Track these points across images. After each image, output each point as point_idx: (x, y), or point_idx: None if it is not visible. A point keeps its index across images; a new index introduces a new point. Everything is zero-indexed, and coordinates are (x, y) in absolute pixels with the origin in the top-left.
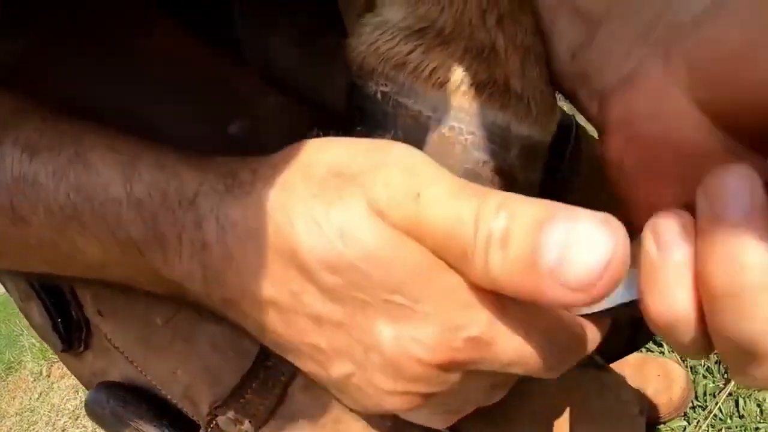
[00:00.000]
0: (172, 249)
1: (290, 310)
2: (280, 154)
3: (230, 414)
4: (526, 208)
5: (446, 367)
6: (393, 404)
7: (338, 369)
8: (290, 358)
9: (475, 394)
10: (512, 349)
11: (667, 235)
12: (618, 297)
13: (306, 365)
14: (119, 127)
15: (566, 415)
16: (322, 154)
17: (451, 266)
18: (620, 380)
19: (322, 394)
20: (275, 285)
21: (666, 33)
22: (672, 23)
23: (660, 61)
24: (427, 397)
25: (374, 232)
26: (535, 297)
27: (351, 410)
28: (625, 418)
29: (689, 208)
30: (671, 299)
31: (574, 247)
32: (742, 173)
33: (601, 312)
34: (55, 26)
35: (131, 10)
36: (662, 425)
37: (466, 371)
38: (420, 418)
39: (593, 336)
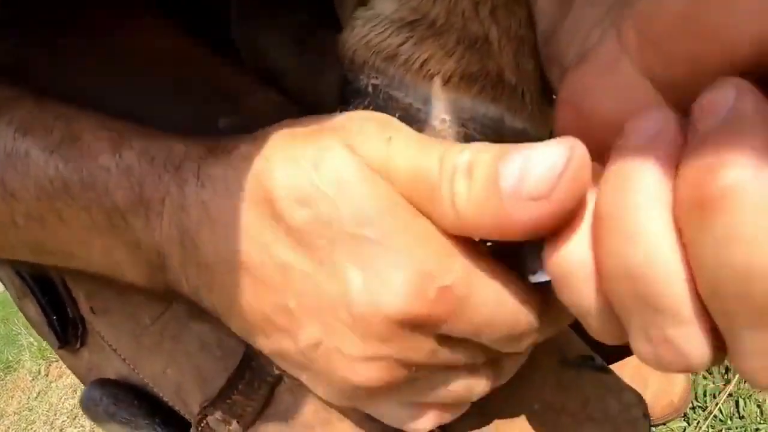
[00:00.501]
0: (155, 213)
1: (259, 267)
2: (263, 129)
3: (218, 414)
4: (487, 146)
5: (417, 325)
6: (365, 375)
7: (307, 335)
8: (259, 339)
9: (452, 377)
10: (485, 308)
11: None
12: None
13: (275, 341)
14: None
15: (565, 417)
16: (304, 118)
17: (420, 212)
18: (622, 382)
19: (309, 396)
20: (247, 238)
21: (622, 7)
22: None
23: (614, 34)
24: (400, 365)
25: (347, 163)
26: (503, 223)
27: (342, 411)
28: (627, 421)
29: None
30: (571, 245)
31: (531, 164)
32: (660, 112)
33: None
34: (47, 25)
35: (123, 8)
36: (662, 426)
37: (440, 340)
38: (394, 415)
39: (560, 314)
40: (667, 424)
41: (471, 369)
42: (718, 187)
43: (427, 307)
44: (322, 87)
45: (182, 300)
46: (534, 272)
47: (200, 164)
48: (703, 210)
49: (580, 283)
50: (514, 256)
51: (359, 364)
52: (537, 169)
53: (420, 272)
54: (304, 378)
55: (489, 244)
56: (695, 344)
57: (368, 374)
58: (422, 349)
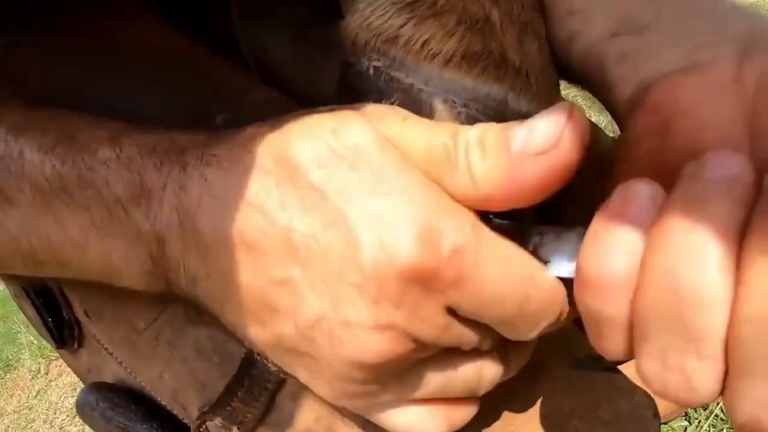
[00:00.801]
0: (156, 200)
1: (262, 239)
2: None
3: (218, 421)
4: (494, 125)
5: (427, 282)
6: (374, 348)
7: (310, 309)
8: (255, 328)
9: (459, 361)
10: (494, 278)
11: (636, 194)
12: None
13: (273, 325)
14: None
15: (576, 420)
16: (316, 108)
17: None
18: (631, 382)
19: (312, 403)
20: (250, 209)
21: (753, 38)
22: (753, 32)
23: (733, 62)
24: (409, 339)
25: (365, 131)
26: (517, 183)
27: (345, 418)
28: (638, 422)
29: None
30: (610, 259)
31: (536, 126)
32: (735, 155)
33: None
34: (40, 23)
35: (121, 7)
36: (663, 425)
37: (448, 311)
38: (401, 419)
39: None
40: (669, 423)
41: (478, 354)
42: None
43: (437, 261)
44: (322, 82)
45: (179, 300)
46: (546, 263)
47: (203, 149)
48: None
49: (613, 290)
50: (523, 243)
51: (367, 334)
52: (541, 127)
53: (432, 227)
54: (300, 371)
55: (499, 222)
56: (706, 381)
57: (376, 346)
58: (432, 321)
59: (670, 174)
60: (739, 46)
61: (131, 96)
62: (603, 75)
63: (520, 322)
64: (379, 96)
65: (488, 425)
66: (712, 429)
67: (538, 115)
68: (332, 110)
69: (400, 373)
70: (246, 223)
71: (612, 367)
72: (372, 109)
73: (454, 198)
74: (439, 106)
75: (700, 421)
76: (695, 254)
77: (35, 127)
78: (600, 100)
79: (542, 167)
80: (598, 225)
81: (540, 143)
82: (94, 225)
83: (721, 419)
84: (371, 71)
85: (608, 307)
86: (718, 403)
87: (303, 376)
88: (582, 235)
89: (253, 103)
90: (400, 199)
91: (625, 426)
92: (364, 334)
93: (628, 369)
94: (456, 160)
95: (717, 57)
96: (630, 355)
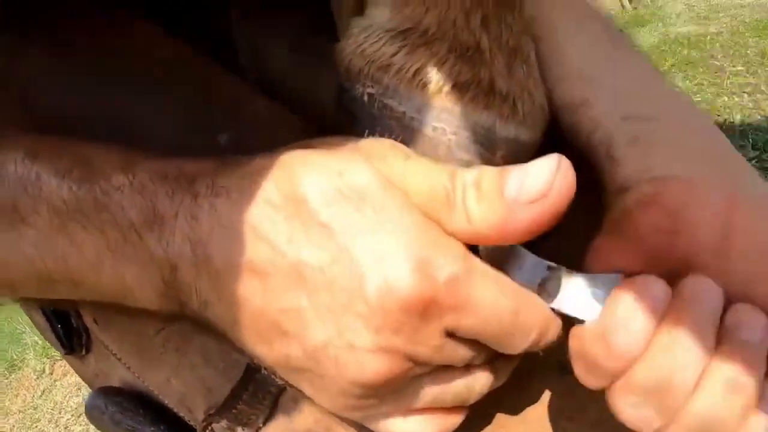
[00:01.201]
0: (168, 228)
1: (270, 269)
2: (276, 150)
3: (224, 423)
4: (489, 168)
5: (428, 311)
6: (373, 369)
7: (316, 335)
8: (263, 348)
9: (452, 375)
10: (488, 299)
11: (651, 294)
12: (578, 310)
13: (280, 347)
14: (108, 129)
15: (565, 422)
16: (315, 141)
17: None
18: None
19: (312, 405)
20: (260, 241)
21: (730, 179)
22: (729, 179)
23: (724, 202)
24: (407, 359)
25: (370, 175)
26: (509, 224)
27: (342, 421)
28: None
29: None
30: (632, 338)
31: (528, 173)
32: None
33: (562, 313)
34: (44, 37)
35: (122, 17)
36: None
37: (445, 333)
38: (397, 428)
39: (555, 323)
40: None
41: (470, 368)
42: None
43: (434, 290)
44: (320, 91)
45: (189, 321)
46: (550, 295)
47: (213, 177)
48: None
49: (624, 358)
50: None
51: (369, 356)
52: (533, 177)
53: (429, 261)
54: (305, 386)
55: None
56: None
57: (376, 367)
58: (429, 343)
59: (670, 265)
60: (727, 191)
61: (134, 108)
62: (609, 150)
63: (513, 337)
64: (372, 121)
65: (479, 429)
66: None
67: (530, 163)
68: (337, 145)
69: (397, 388)
70: (255, 253)
71: None
72: (375, 147)
73: (451, 234)
74: (429, 133)
75: None
76: (682, 359)
77: (51, 152)
78: (594, 166)
79: (534, 213)
80: (622, 308)
81: (532, 192)
82: (108, 248)
83: None
84: (365, 98)
85: (611, 364)
86: None
87: (308, 390)
88: (587, 281)
89: (253, 113)
90: (401, 237)
91: (613, 426)
92: (365, 357)
93: None
94: (454, 201)
95: (713, 173)
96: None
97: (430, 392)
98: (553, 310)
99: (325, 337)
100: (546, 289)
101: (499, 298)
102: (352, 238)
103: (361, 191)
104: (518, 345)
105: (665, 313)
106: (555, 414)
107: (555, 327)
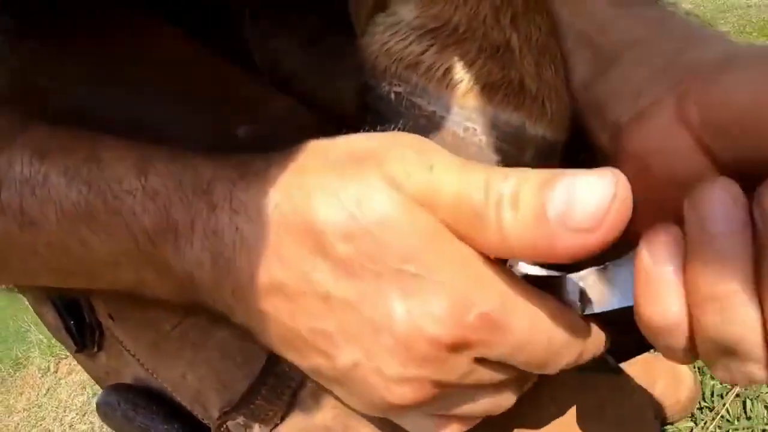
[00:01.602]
0: (184, 237)
1: (298, 293)
2: (294, 148)
3: (240, 419)
4: (532, 173)
5: (457, 347)
6: (400, 395)
7: (346, 357)
8: (293, 355)
9: (480, 394)
10: (521, 330)
11: (660, 248)
12: (616, 301)
13: (310, 359)
14: (127, 132)
15: (580, 420)
16: (337, 144)
17: (462, 237)
18: (634, 384)
19: (332, 401)
20: (285, 265)
21: (679, 76)
22: (686, 68)
23: (673, 102)
24: (435, 385)
25: (390, 201)
26: (548, 249)
27: (362, 416)
28: (639, 423)
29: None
30: (664, 306)
31: (577, 195)
32: (725, 188)
33: (603, 313)
34: (62, 44)
35: (139, 19)
36: (669, 426)
37: (475, 360)
38: (419, 425)
39: (596, 338)
40: (675, 424)
41: (499, 387)
42: None
43: (466, 331)
44: (336, 91)
45: (209, 314)
46: (573, 304)
47: (231, 189)
48: None
49: (672, 336)
50: (549, 285)
51: (396, 385)
52: (584, 202)
53: (460, 301)
54: (337, 391)
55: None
56: (762, 374)
57: (403, 394)
58: (457, 370)
59: (659, 203)
60: (675, 85)
61: (150, 106)
62: (590, 125)
63: (546, 364)
64: (399, 120)
65: (496, 427)
66: (718, 430)
67: (579, 177)
68: (356, 158)
69: (424, 407)
70: (283, 277)
71: (616, 368)
72: (396, 155)
73: (479, 249)
74: (459, 133)
75: (705, 422)
76: (732, 316)
77: (60, 149)
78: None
79: (578, 243)
80: (645, 275)
81: (580, 221)
82: (122, 252)
83: (727, 420)
84: (392, 96)
85: (675, 341)
86: (724, 404)
87: (338, 393)
88: (617, 269)
89: (272, 112)
90: (428, 277)
91: (628, 427)
92: (392, 384)
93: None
94: (486, 216)
95: (659, 101)
96: (694, 359)
97: (458, 407)
98: (599, 314)
99: (355, 359)
100: (587, 296)
101: (533, 328)
102: (375, 276)
103: (381, 221)
104: (551, 369)
105: (686, 262)
106: (572, 413)
107: (593, 346)
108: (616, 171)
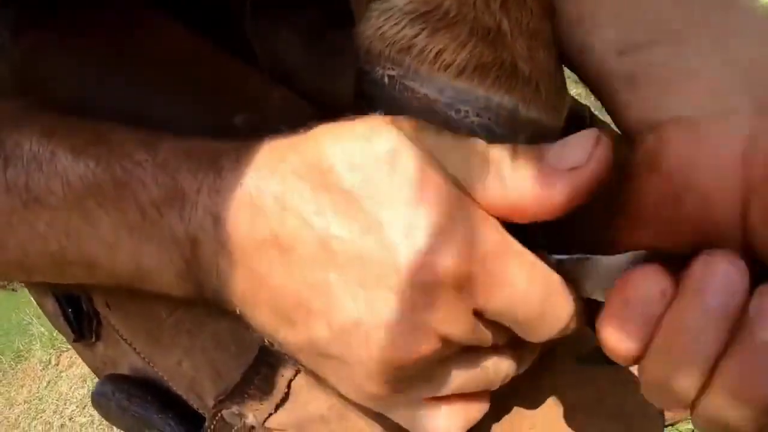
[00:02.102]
0: (190, 203)
1: (298, 242)
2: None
3: (234, 408)
4: (527, 146)
5: (462, 283)
6: (404, 347)
7: (346, 313)
8: (286, 329)
9: (479, 360)
10: (519, 280)
11: (650, 286)
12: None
13: (306, 327)
14: (128, 123)
15: (578, 412)
16: (341, 121)
17: (467, 192)
18: (635, 377)
19: (326, 391)
20: (286, 214)
21: (760, 100)
22: None
23: (742, 139)
24: (439, 339)
25: (398, 141)
26: (547, 189)
27: (357, 406)
28: (643, 417)
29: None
30: (627, 342)
31: (568, 143)
32: (740, 272)
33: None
34: (63, 36)
35: (139, 12)
36: (669, 427)
37: (474, 312)
38: (416, 417)
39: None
40: (676, 426)
41: (495, 351)
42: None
43: (471, 265)
44: (334, 86)
45: (206, 305)
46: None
47: (238, 153)
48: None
49: (623, 360)
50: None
51: (402, 336)
52: (572, 146)
53: (465, 236)
54: (329, 372)
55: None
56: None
57: (410, 346)
58: (461, 322)
59: (680, 233)
60: (757, 97)
61: (151, 98)
62: (612, 95)
63: (539, 323)
64: (392, 104)
65: (497, 419)
66: None
67: (570, 136)
68: (362, 118)
69: (426, 371)
70: (281, 225)
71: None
72: (404, 121)
73: (485, 207)
74: (452, 115)
75: None
76: (686, 363)
77: (67, 129)
78: (609, 115)
79: (573, 181)
80: (611, 313)
81: (573, 158)
82: (126, 226)
83: None
84: (385, 80)
85: (620, 358)
86: None
87: (331, 378)
88: (603, 264)
89: (271, 103)
90: (435, 208)
91: (630, 420)
92: (398, 336)
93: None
94: (488, 167)
95: (734, 109)
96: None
97: (457, 376)
98: (586, 300)
99: (357, 314)
100: (576, 277)
101: (532, 282)
102: (384, 206)
103: (390, 157)
104: (543, 333)
105: (670, 304)
106: (571, 405)
107: (579, 319)
108: (597, 129)
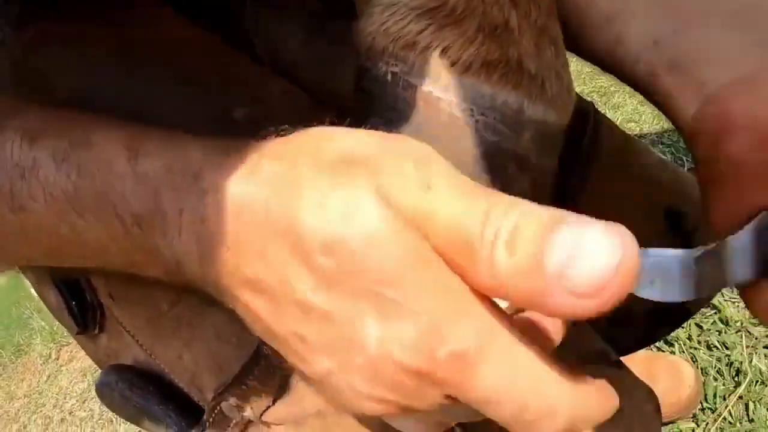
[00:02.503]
0: (173, 224)
1: (279, 295)
2: (288, 137)
3: (232, 401)
4: (536, 210)
5: (424, 380)
6: (370, 409)
7: (319, 365)
8: (276, 347)
9: (461, 414)
10: (495, 383)
11: None
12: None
13: (289, 357)
14: (127, 114)
15: None
16: (333, 142)
17: (452, 267)
18: (634, 377)
19: None
20: (268, 266)
21: None
22: None
23: None
24: (403, 409)
25: (377, 216)
26: (540, 301)
27: None
28: (641, 418)
29: None
30: None
31: (582, 251)
32: None
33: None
34: (63, 28)
35: (140, 4)
36: (670, 424)
37: (447, 396)
38: (405, 426)
39: (596, 407)
40: (676, 424)
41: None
42: None
43: (434, 366)
44: (334, 81)
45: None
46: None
47: (219, 177)
48: None
49: None
50: None
51: (365, 400)
52: (586, 263)
53: (433, 333)
54: (316, 389)
55: None
56: None
57: (372, 409)
58: (427, 400)
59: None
60: None
61: (152, 90)
62: (656, 84)
63: (513, 425)
64: (394, 101)
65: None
66: (719, 431)
67: (586, 229)
68: (351, 164)
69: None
70: (265, 275)
71: (617, 362)
72: (393, 166)
73: (468, 283)
74: (456, 113)
75: (707, 423)
76: None
77: (51, 130)
78: (657, 107)
79: (572, 305)
80: None
81: (580, 285)
82: (109, 237)
83: (729, 422)
84: (389, 77)
85: None
86: (726, 406)
87: (317, 391)
88: (732, 244)
89: (270, 95)
90: (406, 304)
91: (629, 420)
92: (363, 399)
93: (632, 366)
94: (480, 253)
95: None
96: None
97: (435, 418)
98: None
99: (329, 367)
100: (716, 269)
101: (508, 387)
102: (352, 293)
103: (365, 239)
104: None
105: None
106: None
107: (589, 419)
108: (624, 230)
